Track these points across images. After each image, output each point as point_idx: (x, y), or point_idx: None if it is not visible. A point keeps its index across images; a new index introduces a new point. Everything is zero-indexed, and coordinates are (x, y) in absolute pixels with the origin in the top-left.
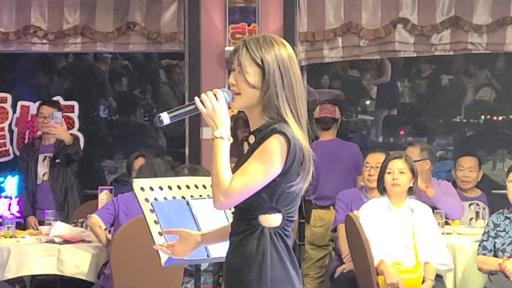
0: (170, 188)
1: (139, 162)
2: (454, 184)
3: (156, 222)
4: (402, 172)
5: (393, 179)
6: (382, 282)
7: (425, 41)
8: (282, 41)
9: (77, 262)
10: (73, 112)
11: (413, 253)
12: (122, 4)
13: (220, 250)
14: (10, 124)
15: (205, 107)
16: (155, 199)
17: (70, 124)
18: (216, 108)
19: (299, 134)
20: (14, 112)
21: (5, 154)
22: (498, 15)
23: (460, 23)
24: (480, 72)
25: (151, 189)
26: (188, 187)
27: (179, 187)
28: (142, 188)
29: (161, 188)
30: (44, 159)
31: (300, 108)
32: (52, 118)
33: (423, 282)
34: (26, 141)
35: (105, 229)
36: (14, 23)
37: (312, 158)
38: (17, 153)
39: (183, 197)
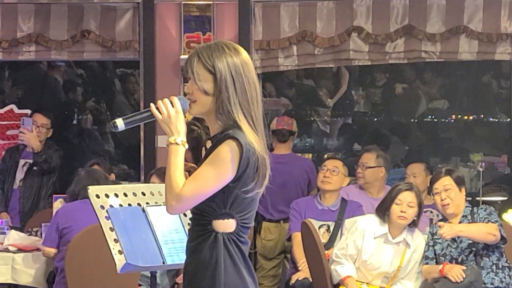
0: (125, 195)
1: None
2: None
3: (111, 229)
4: (411, 206)
5: (401, 212)
6: None
7: (379, 50)
8: (235, 46)
9: (32, 271)
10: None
11: (387, 282)
12: (77, 12)
13: (175, 257)
14: None
15: (160, 113)
16: (111, 206)
17: None
18: (172, 114)
19: (253, 139)
20: None
21: None
22: (451, 24)
23: (413, 32)
24: (435, 81)
25: (107, 196)
26: (143, 194)
27: (134, 194)
28: (97, 195)
29: (116, 195)
30: (24, 165)
31: (255, 112)
32: (23, 124)
33: None
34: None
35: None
36: None
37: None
38: None
39: (138, 204)
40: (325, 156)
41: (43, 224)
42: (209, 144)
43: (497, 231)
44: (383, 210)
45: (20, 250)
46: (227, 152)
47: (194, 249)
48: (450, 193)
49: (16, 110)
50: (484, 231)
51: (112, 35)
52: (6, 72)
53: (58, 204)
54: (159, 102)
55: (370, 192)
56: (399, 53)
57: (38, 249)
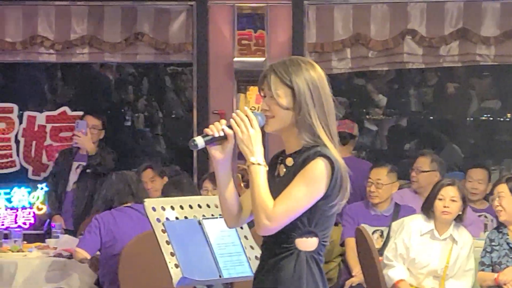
0: (181, 207)
1: (148, 174)
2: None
3: (168, 243)
4: (453, 200)
5: (444, 207)
6: None
7: (433, 53)
8: (310, 61)
9: (84, 277)
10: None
11: (439, 283)
12: (130, 15)
13: (232, 270)
14: (16, 135)
15: (241, 132)
16: (167, 219)
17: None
18: (252, 134)
19: (335, 153)
20: (21, 122)
21: (11, 165)
22: (506, 27)
23: (468, 35)
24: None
25: (163, 208)
26: (200, 206)
27: (190, 207)
28: (153, 208)
29: (172, 207)
30: (77, 167)
31: (331, 125)
32: (77, 127)
33: None
34: (31, 152)
35: (92, 257)
36: (21, 33)
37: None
38: (24, 164)
39: (195, 217)
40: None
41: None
42: (289, 161)
43: None
44: (427, 207)
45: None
46: (319, 171)
47: (273, 266)
48: (502, 200)
49: (69, 112)
50: None
51: (166, 37)
52: (58, 73)
53: None
54: (238, 120)
55: (424, 196)
56: (453, 56)
57: None
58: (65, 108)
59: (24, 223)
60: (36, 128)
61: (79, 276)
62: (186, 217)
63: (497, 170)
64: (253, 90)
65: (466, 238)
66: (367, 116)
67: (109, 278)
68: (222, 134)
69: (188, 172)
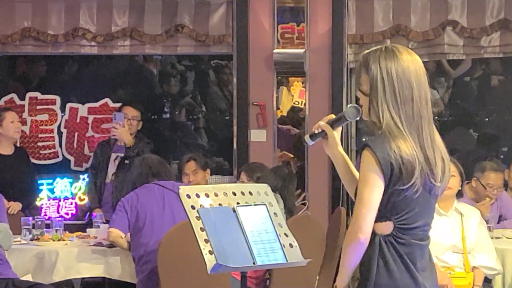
0: (216, 195)
1: (190, 166)
2: (506, 185)
3: (202, 229)
4: (453, 176)
5: None
6: None
7: (474, 44)
8: (405, 50)
9: (125, 265)
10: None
11: (462, 258)
12: (171, 7)
13: (265, 257)
14: (59, 126)
15: None
16: (201, 206)
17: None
18: None
19: (398, 142)
20: (63, 114)
21: (54, 156)
22: None
23: (509, 26)
24: None
25: (197, 195)
26: (234, 194)
27: (225, 194)
28: (188, 195)
29: (207, 195)
30: (115, 159)
31: (406, 113)
32: (114, 119)
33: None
34: (74, 143)
35: (125, 235)
36: (63, 25)
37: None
38: (66, 155)
39: (229, 204)
40: None
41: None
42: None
43: None
44: None
45: (113, 244)
46: (368, 164)
47: None
48: None
49: (111, 104)
50: None
51: (206, 29)
52: (101, 65)
53: None
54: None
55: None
56: (494, 47)
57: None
58: (106, 100)
59: (66, 213)
60: (78, 120)
61: (120, 264)
62: (220, 204)
63: None
64: (297, 85)
65: (471, 209)
66: None
67: (137, 253)
68: (320, 130)
69: (229, 163)
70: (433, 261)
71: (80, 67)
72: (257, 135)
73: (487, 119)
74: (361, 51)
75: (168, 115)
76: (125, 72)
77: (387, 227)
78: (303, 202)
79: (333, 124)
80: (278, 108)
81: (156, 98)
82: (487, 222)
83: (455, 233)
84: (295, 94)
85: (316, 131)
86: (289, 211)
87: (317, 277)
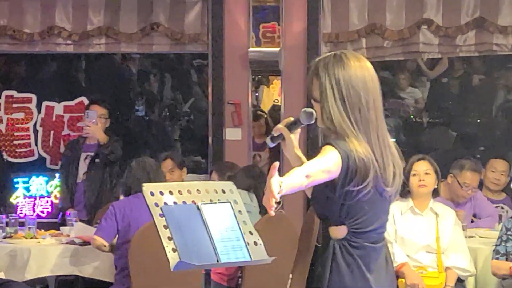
0: (180, 192)
1: (167, 164)
2: (480, 185)
3: (165, 227)
4: (427, 173)
5: (420, 181)
6: (402, 285)
7: (449, 42)
8: (350, 56)
9: (97, 263)
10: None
11: (436, 258)
12: (146, 5)
13: (230, 255)
14: (34, 125)
15: None
16: (165, 203)
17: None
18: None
19: (355, 145)
20: (39, 112)
21: (30, 155)
22: None
23: (485, 24)
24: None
25: (161, 193)
26: (199, 191)
27: (189, 192)
28: (151, 193)
29: (171, 192)
30: (86, 158)
31: (356, 118)
32: (87, 117)
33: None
34: (50, 142)
35: (109, 244)
36: (39, 24)
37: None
38: (42, 153)
39: (193, 202)
40: None
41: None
42: None
43: None
44: (403, 186)
45: (86, 242)
46: (328, 151)
47: (315, 251)
48: None
49: (86, 102)
50: None
51: (181, 27)
52: (77, 63)
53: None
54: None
55: None
56: (470, 46)
57: None
58: (82, 98)
59: (42, 212)
60: (54, 118)
61: (92, 263)
62: (184, 202)
63: None
64: (276, 84)
65: (446, 209)
66: None
67: (121, 262)
68: (279, 133)
69: (205, 162)
70: (390, 261)
71: (59, 66)
72: (232, 134)
73: (466, 119)
74: (336, 49)
75: (144, 113)
76: (103, 71)
77: (341, 231)
78: (277, 201)
79: (290, 127)
80: (257, 107)
81: (135, 97)
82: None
83: (430, 233)
84: (274, 93)
85: (275, 134)
86: (264, 210)
87: (290, 276)
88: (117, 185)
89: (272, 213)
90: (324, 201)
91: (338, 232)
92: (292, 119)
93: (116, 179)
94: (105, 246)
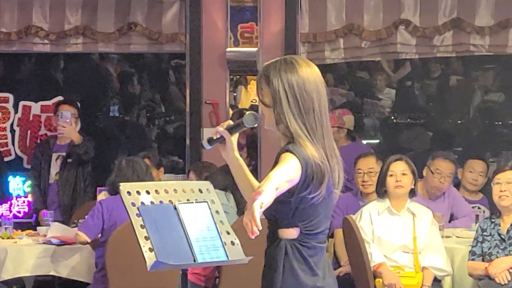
0: (157, 192)
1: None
2: (457, 185)
3: (142, 227)
4: (404, 174)
5: (396, 181)
6: (379, 284)
7: (427, 43)
8: (303, 61)
9: (74, 263)
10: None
11: (413, 258)
12: (124, 5)
13: (206, 255)
14: (11, 124)
15: None
16: (142, 203)
17: None
18: None
19: (309, 148)
20: (16, 112)
21: (7, 154)
22: (500, 17)
23: (462, 25)
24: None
25: (138, 193)
26: (175, 191)
27: (166, 191)
28: (128, 192)
29: (148, 192)
30: (57, 158)
31: (310, 123)
32: (61, 117)
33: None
34: (27, 141)
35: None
36: (16, 23)
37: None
38: (19, 153)
39: (170, 201)
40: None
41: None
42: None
43: None
44: (380, 187)
45: (62, 242)
46: (288, 158)
47: (265, 253)
48: (511, 187)
49: None
50: None
51: (159, 27)
52: (55, 63)
53: (102, 196)
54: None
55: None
56: (447, 47)
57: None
58: (59, 98)
59: (19, 212)
60: (31, 118)
61: (69, 263)
62: (161, 202)
63: (495, 162)
64: (254, 84)
65: (423, 209)
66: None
67: (102, 261)
68: (218, 136)
69: (183, 162)
70: (327, 258)
71: (36, 65)
72: (210, 134)
73: (444, 119)
74: (314, 50)
75: (122, 113)
76: (81, 71)
77: (293, 233)
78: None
79: (231, 130)
80: (235, 107)
81: (112, 97)
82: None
83: (407, 233)
84: (252, 93)
85: (215, 137)
86: (241, 211)
87: None
88: (90, 185)
89: (253, 237)
90: (276, 204)
91: (290, 233)
92: (231, 122)
93: (89, 179)
94: (87, 242)
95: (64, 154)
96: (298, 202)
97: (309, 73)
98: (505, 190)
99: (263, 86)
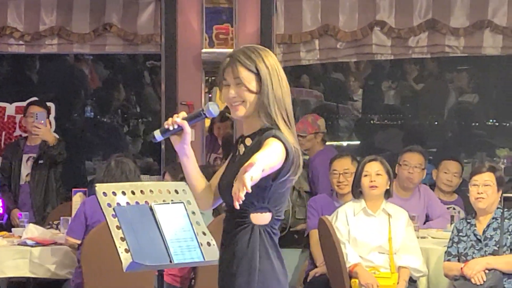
0: (133, 193)
1: None
2: (432, 186)
3: (118, 228)
4: (379, 174)
5: (371, 181)
6: (355, 285)
7: (402, 44)
8: (265, 48)
9: (50, 265)
10: (49, 113)
11: (388, 259)
12: (99, 5)
13: (182, 255)
14: None
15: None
16: (118, 204)
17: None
18: None
19: (288, 134)
20: None
21: None
22: (475, 18)
23: (437, 26)
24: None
25: (114, 194)
26: (152, 191)
27: (142, 192)
28: (104, 193)
29: (124, 193)
30: (28, 159)
31: (287, 107)
32: (37, 118)
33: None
34: (1, 142)
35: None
36: None
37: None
38: None
39: (146, 202)
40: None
41: (62, 218)
42: (248, 141)
43: None
44: (355, 187)
45: (38, 243)
46: (274, 145)
47: (231, 240)
48: (488, 189)
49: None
50: None
51: (134, 28)
52: (32, 64)
53: (77, 197)
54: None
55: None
56: (422, 48)
57: (56, 243)
58: (35, 99)
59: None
60: (5, 119)
61: (44, 264)
62: (137, 203)
63: (469, 163)
64: None
65: (399, 210)
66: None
67: None
68: (176, 127)
69: (157, 163)
70: None
71: (12, 66)
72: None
73: (418, 120)
74: (289, 50)
75: (97, 114)
76: (56, 72)
77: (266, 218)
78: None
79: (190, 120)
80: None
81: (87, 98)
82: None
83: (382, 233)
84: None
85: (172, 128)
86: (217, 211)
87: None
88: (62, 186)
89: (237, 205)
90: (255, 188)
91: (264, 218)
92: (185, 114)
93: (60, 180)
94: (78, 244)
95: (35, 155)
96: (277, 186)
97: (276, 59)
98: (482, 192)
99: (244, 74)
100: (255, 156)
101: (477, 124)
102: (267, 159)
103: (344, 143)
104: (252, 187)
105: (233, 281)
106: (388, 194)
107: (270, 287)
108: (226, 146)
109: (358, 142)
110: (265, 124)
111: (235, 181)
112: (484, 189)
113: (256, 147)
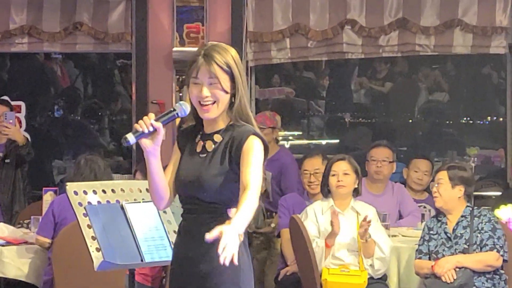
0: (104, 192)
1: None
2: (403, 185)
3: (89, 227)
4: (346, 174)
5: (338, 181)
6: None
7: (372, 43)
8: (229, 46)
9: (20, 264)
10: (19, 112)
11: (357, 257)
12: (69, 4)
13: (154, 254)
14: None
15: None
16: (89, 203)
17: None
18: None
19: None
20: None
21: None
22: (445, 17)
23: (407, 25)
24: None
25: (85, 192)
26: (123, 190)
27: (113, 191)
28: (75, 192)
29: (95, 192)
30: None
31: (249, 101)
32: (6, 118)
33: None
34: None
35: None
36: None
37: None
38: None
39: (117, 201)
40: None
41: (32, 217)
42: (218, 138)
43: (498, 261)
44: (324, 186)
45: (8, 243)
46: (259, 148)
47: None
48: (440, 187)
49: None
50: (483, 263)
51: (105, 27)
52: (2, 63)
53: (48, 196)
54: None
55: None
56: (393, 46)
57: (27, 242)
58: (5, 97)
59: None
60: None
61: (15, 264)
62: (108, 201)
63: (440, 162)
64: None
65: (367, 208)
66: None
67: None
68: (151, 129)
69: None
70: None
71: None
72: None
73: (389, 119)
74: (260, 49)
75: (67, 113)
76: (26, 70)
77: None
78: None
79: (163, 121)
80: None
81: (57, 97)
82: (384, 219)
83: (351, 231)
84: None
85: (147, 130)
86: None
87: None
88: (29, 185)
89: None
90: (234, 184)
91: None
92: (153, 115)
93: (27, 179)
94: (48, 243)
95: (1, 154)
96: None
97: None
98: (435, 192)
99: (219, 73)
100: (251, 170)
101: (447, 122)
102: (258, 176)
103: (315, 142)
104: (232, 183)
105: (215, 278)
106: (356, 192)
107: (250, 284)
108: None
109: (329, 141)
110: (238, 121)
111: (223, 234)
112: (437, 187)
113: (235, 142)
